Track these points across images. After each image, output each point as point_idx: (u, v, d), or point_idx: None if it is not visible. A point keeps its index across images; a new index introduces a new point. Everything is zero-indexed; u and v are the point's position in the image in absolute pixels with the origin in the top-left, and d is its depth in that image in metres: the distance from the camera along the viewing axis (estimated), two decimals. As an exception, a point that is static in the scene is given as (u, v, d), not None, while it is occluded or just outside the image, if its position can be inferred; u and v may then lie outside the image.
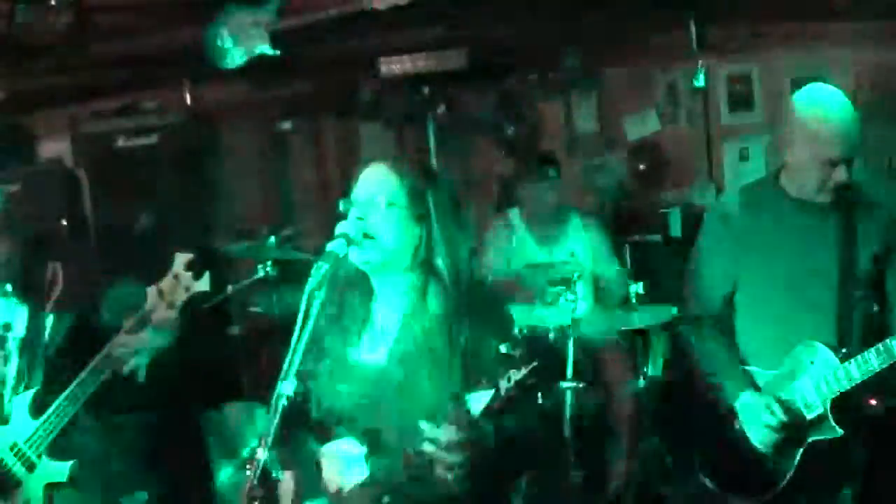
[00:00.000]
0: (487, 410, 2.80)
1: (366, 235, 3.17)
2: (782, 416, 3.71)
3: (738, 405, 3.86)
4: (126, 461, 4.83)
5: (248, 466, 2.99)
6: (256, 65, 6.07)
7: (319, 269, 3.11)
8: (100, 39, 5.95)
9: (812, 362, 3.75)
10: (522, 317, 6.06)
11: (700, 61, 6.51)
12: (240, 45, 5.98)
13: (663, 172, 7.42)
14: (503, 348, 2.85)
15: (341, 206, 3.25)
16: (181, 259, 4.11)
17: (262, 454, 2.97)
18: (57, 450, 4.27)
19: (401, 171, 3.23)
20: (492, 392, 2.78)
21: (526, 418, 3.07)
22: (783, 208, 3.87)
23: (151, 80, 6.77)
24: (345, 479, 3.16)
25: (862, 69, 6.59)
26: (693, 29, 6.49)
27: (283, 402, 2.98)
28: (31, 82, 6.34)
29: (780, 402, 3.75)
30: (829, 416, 3.69)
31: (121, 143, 6.68)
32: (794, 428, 3.75)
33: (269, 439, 2.99)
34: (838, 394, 3.67)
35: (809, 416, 3.73)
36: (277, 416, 2.99)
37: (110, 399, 4.54)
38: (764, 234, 3.88)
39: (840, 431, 3.70)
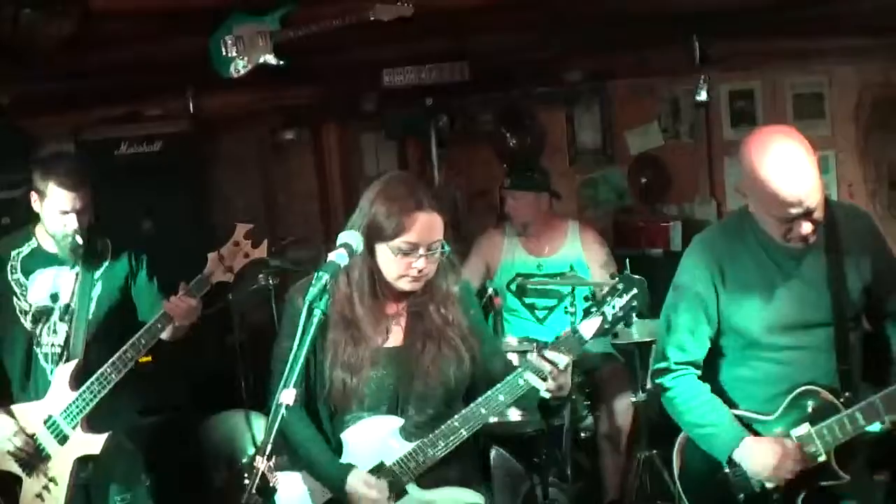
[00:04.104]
0: (597, 333, 3.35)
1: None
2: (795, 451, 3.55)
3: (738, 452, 3.63)
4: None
5: (245, 474, 3.01)
6: (260, 74, 6.09)
7: (320, 279, 3.13)
8: (104, 46, 5.96)
9: (814, 408, 3.58)
10: (517, 329, 6.08)
11: (703, 76, 6.51)
12: (244, 54, 6.00)
13: (665, 186, 7.41)
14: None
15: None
16: (241, 229, 4.49)
17: (260, 462, 2.98)
18: (93, 422, 4.41)
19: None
20: (601, 318, 3.34)
21: None
22: (767, 244, 3.61)
23: (155, 87, 6.78)
24: (382, 453, 3.50)
25: (864, 86, 6.61)
26: (696, 44, 6.51)
27: (283, 410, 3.00)
28: (35, 88, 6.36)
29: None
30: (834, 463, 3.54)
31: (124, 150, 6.68)
32: (800, 474, 3.58)
33: (268, 448, 3.00)
34: (843, 441, 3.52)
35: (812, 464, 3.56)
36: (276, 424, 3.01)
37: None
38: (749, 272, 3.63)
39: (846, 478, 3.55)
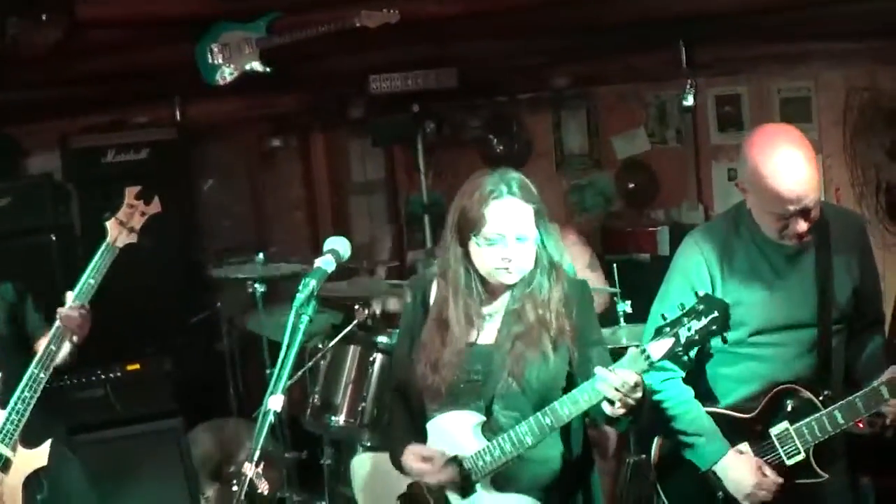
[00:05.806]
0: (666, 355, 3.21)
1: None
2: (775, 478, 3.57)
3: (719, 466, 3.63)
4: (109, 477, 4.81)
5: (234, 482, 3.00)
6: (246, 81, 6.09)
7: (307, 286, 3.14)
8: (91, 55, 5.95)
9: (793, 407, 3.59)
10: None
11: (689, 81, 6.52)
12: (230, 61, 6.00)
13: (652, 191, 7.42)
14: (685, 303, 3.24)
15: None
16: (131, 192, 4.54)
17: (249, 469, 2.97)
18: (30, 436, 4.22)
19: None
20: (672, 340, 3.19)
21: None
22: (762, 242, 3.62)
23: (142, 95, 6.76)
24: (459, 447, 3.50)
25: (851, 90, 6.62)
26: (682, 49, 6.52)
27: (271, 417, 3.00)
28: (21, 96, 6.34)
29: (763, 451, 3.61)
30: (812, 461, 3.55)
31: (111, 158, 6.66)
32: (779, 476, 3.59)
33: (256, 454, 2.99)
34: (822, 439, 3.53)
35: (790, 463, 3.57)
36: (265, 431, 3.00)
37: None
38: (744, 269, 3.64)
39: (824, 476, 3.56)
